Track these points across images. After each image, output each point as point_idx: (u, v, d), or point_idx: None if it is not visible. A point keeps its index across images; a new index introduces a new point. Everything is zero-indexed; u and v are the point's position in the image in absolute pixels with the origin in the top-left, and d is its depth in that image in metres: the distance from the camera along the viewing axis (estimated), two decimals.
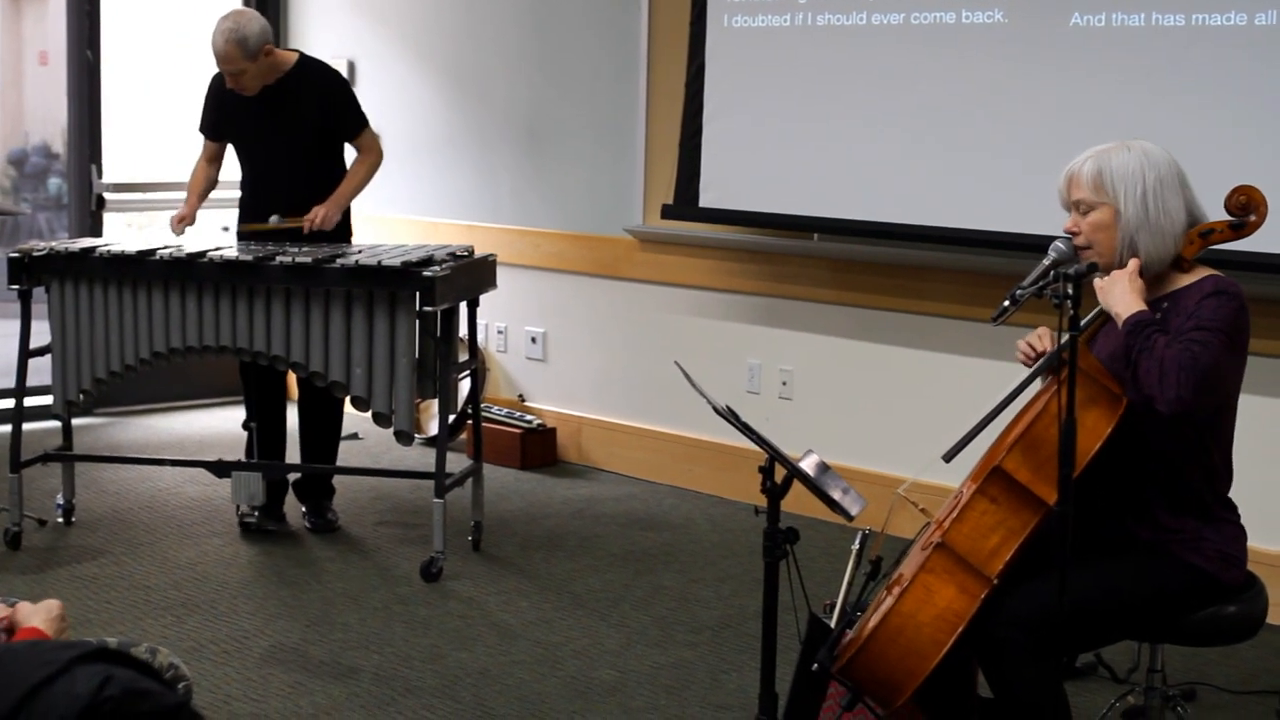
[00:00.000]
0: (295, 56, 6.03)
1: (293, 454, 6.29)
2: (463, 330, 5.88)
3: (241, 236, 6.05)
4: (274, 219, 5.92)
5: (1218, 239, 3.49)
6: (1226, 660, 4.82)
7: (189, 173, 6.26)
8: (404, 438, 5.51)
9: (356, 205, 6.23)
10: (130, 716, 1.81)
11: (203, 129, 6.20)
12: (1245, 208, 3.48)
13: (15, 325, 5.79)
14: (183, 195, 6.24)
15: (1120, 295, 3.38)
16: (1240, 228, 3.49)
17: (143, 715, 1.83)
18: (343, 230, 6.07)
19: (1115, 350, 3.49)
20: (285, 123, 5.93)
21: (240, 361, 5.89)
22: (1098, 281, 3.44)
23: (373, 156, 6.09)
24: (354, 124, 6.07)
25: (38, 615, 2.37)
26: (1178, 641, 3.55)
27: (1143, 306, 3.35)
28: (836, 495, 3.57)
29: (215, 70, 5.98)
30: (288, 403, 6.27)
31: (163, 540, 5.96)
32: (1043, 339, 3.58)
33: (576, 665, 4.79)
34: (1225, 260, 3.94)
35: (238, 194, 6.18)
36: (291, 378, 6.17)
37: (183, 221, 6.10)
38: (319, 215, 5.86)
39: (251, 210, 6.05)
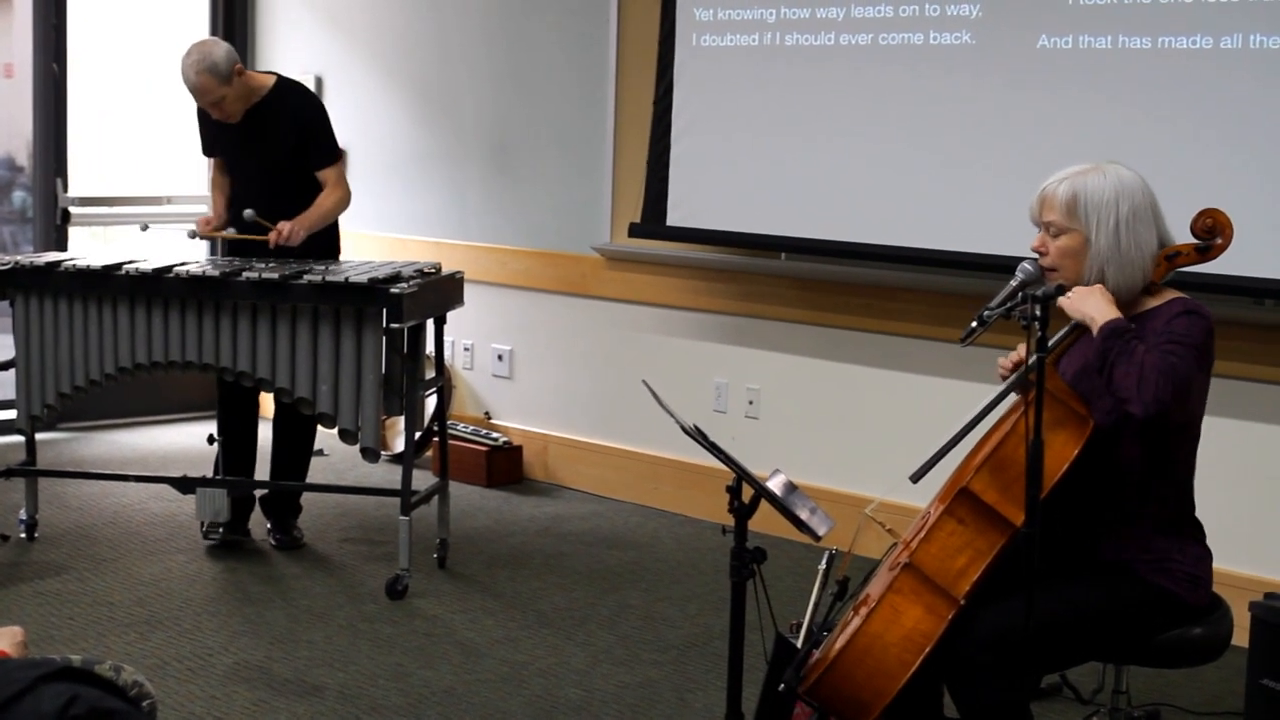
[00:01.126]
0: (272, 79, 6.01)
1: (261, 470, 6.26)
2: (429, 347, 5.86)
3: (232, 245, 6.02)
4: (248, 213, 5.86)
5: (1183, 262, 3.51)
6: (1191, 682, 4.83)
7: (155, 186, 6.24)
8: (370, 455, 5.50)
9: None
10: None
11: (204, 151, 6.19)
12: (1211, 231, 3.50)
13: None
14: (148, 210, 6.23)
15: (1095, 303, 3.38)
16: (1206, 250, 3.51)
17: None
18: (330, 248, 6.05)
19: (1082, 368, 3.50)
20: (264, 145, 5.91)
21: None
22: (1065, 300, 3.44)
23: (340, 192, 5.99)
24: (325, 154, 5.98)
25: (2, 639, 2.35)
26: (1143, 662, 3.55)
27: (1119, 314, 3.36)
28: (804, 515, 3.57)
29: None
30: (259, 419, 6.25)
31: (126, 556, 5.92)
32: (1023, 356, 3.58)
33: (542, 684, 4.78)
34: (1191, 283, 3.97)
35: (204, 208, 6.15)
36: (266, 395, 6.14)
37: (209, 224, 6.08)
38: (286, 230, 5.82)
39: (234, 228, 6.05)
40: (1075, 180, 3.48)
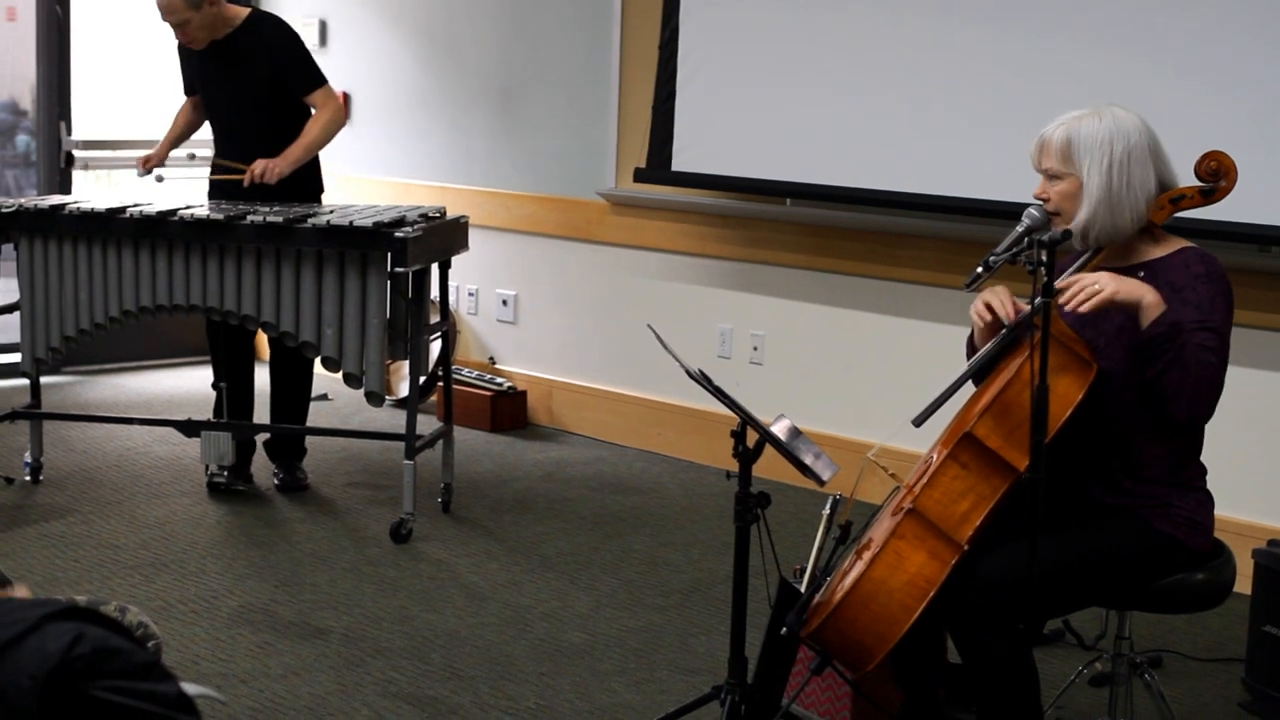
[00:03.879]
0: (245, 12, 5.97)
1: (261, 414, 6.27)
2: (434, 292, 5.86)
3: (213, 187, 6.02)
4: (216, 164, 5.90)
5: (1188, 205, 3.49)
6: (1193, 628, 4.85)
7: (161, 128, 6.23)
8: (374, 399, 5.50)
9: (329, 165, 6.19)
10: (101, 674, 1.81)
11: (185, 90, 6.18)
12: (1215, 173, 3.48)
13: None
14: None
15: (1142, 287, 3.34)
16: (1211, 194, 3.49)
17: (113, 673, 1.82)
18: (313, 189, 6.04)
19: (1088, 317, 3.49)
20: (235, 78, 5.89)
21: (207, 321, 5.87)
22: (1111, 282, 3.37)
23: (327, 114, 5.92)
24: (306, 81, 5.92)
25: None
26: (1145, 608, 3.56)
27: (1165, 306, 3.32)
28: (808, 460, 3.57)
29: None
30: (256, 363, 6.25)
31: (131, 499, 5.94)
32: (1001, 299, 3.53)
33: (545, 628, 4.79)
34: (1197, 229, 3.95)
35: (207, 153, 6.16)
36: (261, 338, 6.13)
37: (149, 162, 6.08)
38: (259, 168, 5.80)
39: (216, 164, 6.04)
40: (1071, 125, 3.47)
